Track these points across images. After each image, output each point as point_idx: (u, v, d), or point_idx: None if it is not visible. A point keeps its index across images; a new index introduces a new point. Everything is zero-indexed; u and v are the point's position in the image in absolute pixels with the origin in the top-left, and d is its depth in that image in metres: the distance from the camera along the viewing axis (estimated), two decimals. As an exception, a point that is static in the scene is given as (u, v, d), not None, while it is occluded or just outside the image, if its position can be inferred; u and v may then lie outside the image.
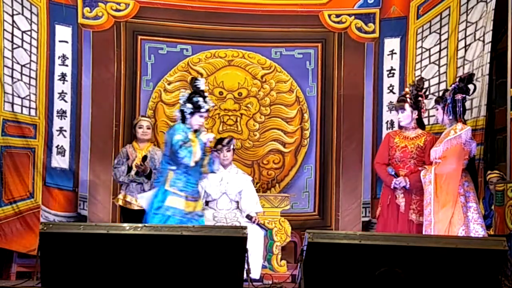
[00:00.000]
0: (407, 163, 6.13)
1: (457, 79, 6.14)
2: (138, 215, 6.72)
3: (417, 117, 6.20)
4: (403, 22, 7.71)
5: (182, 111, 5.81)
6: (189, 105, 5.78)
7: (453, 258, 4.70)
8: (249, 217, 6.70)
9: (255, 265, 6.19)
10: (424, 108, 6.35)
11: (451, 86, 6.21)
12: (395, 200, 6.11)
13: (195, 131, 5.81)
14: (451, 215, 5.70)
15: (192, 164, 5.69)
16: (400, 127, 6.33)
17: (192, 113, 5.77)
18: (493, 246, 4.76)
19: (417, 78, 6.96)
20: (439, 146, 5.89)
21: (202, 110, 5.78)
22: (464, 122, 6.02)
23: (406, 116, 6.19)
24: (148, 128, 6.98)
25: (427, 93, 6.83)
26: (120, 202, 6.86)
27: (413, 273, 4.38)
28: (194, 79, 5.97)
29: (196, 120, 5.80)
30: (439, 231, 5.66)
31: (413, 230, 5.95)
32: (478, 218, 5.79)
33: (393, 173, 6.08)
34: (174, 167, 5.74)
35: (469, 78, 6.01)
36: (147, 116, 7.38)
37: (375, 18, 7.83)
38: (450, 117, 5.94)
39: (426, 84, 7.29)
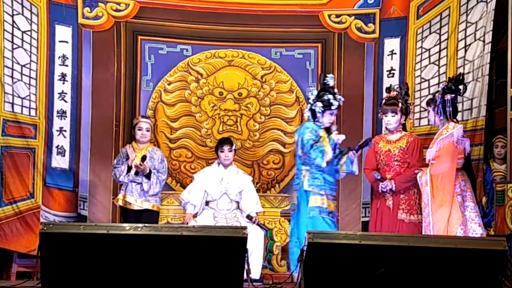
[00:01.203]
0: (392, 166, 6.14)
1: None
2: (138, 215, 6.74)
3: (404, 122, 6.21)
4: (403, 22, 7.70)
5: (312, 110, 5.74)
6: (319, 103, 5.72)
7: (453, 258, 4.70)
8: (249, 217, 6.70)
9: (255, 265, 6.19)
10: (411, 114, 6.35)
11: (441, 87, 6.21)
12: (385, 203, 6.13)
13: (326, 129, 5.74)
14: (448, 215, 5.71)
15: (324, 165, 5.60)
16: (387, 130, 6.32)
17: (322, 111, 5.72)
18: (493, 246, 4.76)
19: (402, 83, 6.95)
20: (433, 147, 5.90)
21: (333, 107, 5.72)
22: (456, 122, 6.02)
23: (396, 120, 6.17)
24: (147, 131, 6.94)
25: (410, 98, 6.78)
26: (120, 202, 6.85)
27: (413, 273, 4.38)
28: (324, 76, 5.87)
29: (327, 118, 5.75)
30: (437, 231, 5.67)
31: (403, 230, 5.97)
32: (476, 217, 5.81)
33: (379, 177, 6.10)
34: (308, 167, 5.66)
35: (457, 78, 6.02)
36: (147, 116, 7.35)
37: (375, 18, 7.82)
38: (441, 118, 5.96)
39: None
